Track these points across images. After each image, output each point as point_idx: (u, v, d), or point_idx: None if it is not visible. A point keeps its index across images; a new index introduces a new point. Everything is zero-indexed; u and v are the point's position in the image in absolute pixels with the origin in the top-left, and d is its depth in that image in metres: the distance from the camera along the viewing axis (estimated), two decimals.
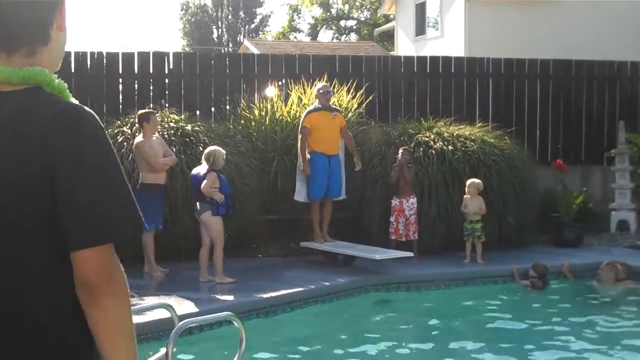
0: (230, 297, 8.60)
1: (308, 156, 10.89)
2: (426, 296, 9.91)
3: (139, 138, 9.89)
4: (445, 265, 10.84)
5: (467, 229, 10.98)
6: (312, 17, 49.66)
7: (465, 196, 10.98)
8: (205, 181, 9.10)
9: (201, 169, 9.31)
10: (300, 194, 11.10)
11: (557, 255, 11.06)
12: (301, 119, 11.12)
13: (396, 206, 11.12)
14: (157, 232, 9.86)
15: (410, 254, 10.53)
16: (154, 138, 9.89)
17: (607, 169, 14.31)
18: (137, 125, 10.37)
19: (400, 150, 11.19)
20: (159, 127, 10.49)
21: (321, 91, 11.09)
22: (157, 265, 9.86)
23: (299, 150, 11.05)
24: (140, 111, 10.28)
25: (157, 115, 10.39)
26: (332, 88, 11.65)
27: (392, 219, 11.14)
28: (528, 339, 7.85)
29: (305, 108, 12.03)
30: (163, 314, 6.86)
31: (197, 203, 9.34)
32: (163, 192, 9.90)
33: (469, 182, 10.97)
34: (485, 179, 11.25)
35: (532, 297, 9.89)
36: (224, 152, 9.47)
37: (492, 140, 12.14)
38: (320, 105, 11.04)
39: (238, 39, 55.33)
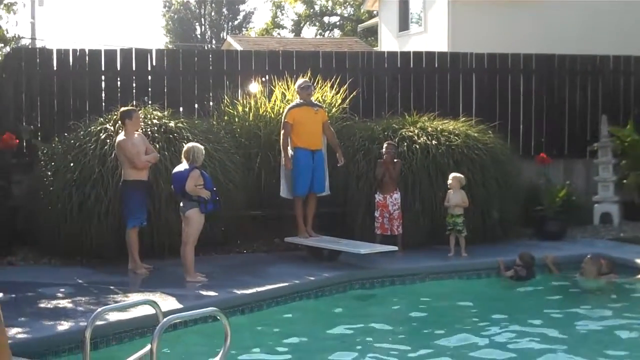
0: (215, 293, 8.57)
1: (291, 152, 10.89)
2: (411, 290, 9.92)
3: (120, 136, 9.85)
4: (429, 259, 10.86)
5: (449, 223, 11.00)
6: (296, 14, 49.57)
7: (448, 190, 11.00)
8: (188, 180, 9.06)
9: (184, 166, 9.26)
10: (284, 191, 11.10)
11: (540, 248, 11.10)
12: (283, 115, 11.11)
13: (380, 201, 11.13)
14: (141, 229, 9.84)
15: (395, 248, 10.56)
16: (136, 135, 9.86)
17: (590, 162, 14.38)
18: (119, 122, 10.33)
19: (385, 145, 11.20)
20: (142, 123, 10.45)
21: (302, 86, 11.10)
22: (141, 262, 9.83)
23: (281, 146, 11.04)
24: (122, 108, 10.24)
25: (139, 112, 10.35)
26: (313, 83, 11.64)
27: (376, 213, 11.16)
28: (511, 332, 7.87)
29: (289, 104, 12.01)
30: (147, 310, 6.83)
31: (182, 200, 9.28)
32: (146, 188, 9.88)
33: (451, 175, 10.99)
34: (469, 173, 11.28)
35: (516, 290, 9.92)
36: (202, 147, 9.44)
37: (475, 135, 12.17)
38: (302, 101, 11.04)
39: (221, 35, 55.25)
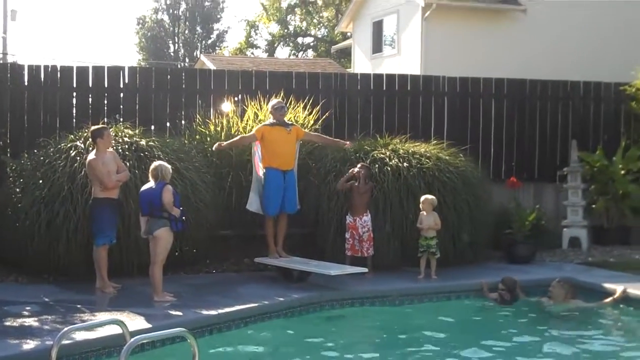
0: (184, 313, 8.51)
1: (263, 171, 10.92)
2: (380, 312, 9.92)
3: (91, 155, 9.77)
4: (399, 280, 10.86)
5: (422, 246, 11.01)
6: (270, 34, 49.77)
7: (421, 212, 11.02)
8: (165, 195, 9.00)
9: (152, 184, 9.20)
10: (252, 204, 11.08)
11: (509, 271, 11.10)
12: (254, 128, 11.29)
13: (350, 223, 11.14)
14: (109, 247, 9.77)
15: (365, 270, 10.55)
16: (107, 153, 9.79)
17: (560, 187, 14.49)
18: (90, 140, 10.27)
19: (358, 166, 11.23)
20: (113, 141, 10.39)
21: (275, 107, 11.13)
22: (109, 280, 9.75)
23: (233, 139, 11.29)
24: (93, 127, 10.16)
25: (110, 130, 10.28)
26: (286, 104, 11.67)
27: (347, 235, 11.16)
28: (481, 356, 7.88)
29: (261, 123, 12.04)
30: (115, 330, 6.78)
31: (146, 220, 9.20)
32: (116, 206, 9.81)
33: (423, 198, 11.02)
34: (440, 196, 11.31)
35: (485, 313, 9.96)
36: (169, 166, 9.41)
37: (447, 158, 12.22)
38: (274, 121, 11.06)
39: (194, 54, 55.28)
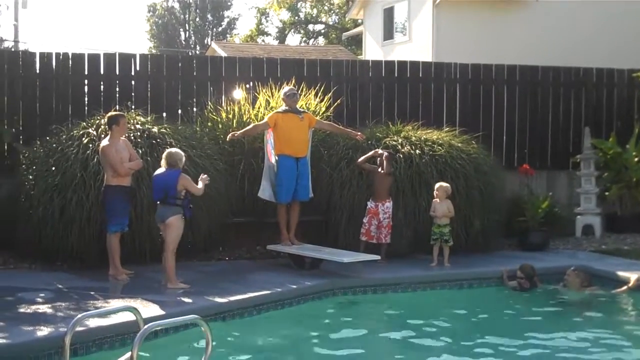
0: (196, 300, 8.52)
1: (275, 158, 10.87)
2: (393, 299, 9.90)
3: (105, 141, 9.76)
4: (412, 268, 10.84)
5: (435, 233, 10.99)
6: (280, 21, 49.66)
7: (434, 200, 11.00)
8: (180, 181, 9.03)
9: (164, 171, 9.20)
10: (264, 192, 11.04)
11: (522, 259, 11.07)
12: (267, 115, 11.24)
13: (371, 208, 11.10)
14: (122, 234, 9.78)
15: (377, 257, 10.51)
16: (121, 141, 9.78)
17: (573, 174, 14.44)
18: (103, 126, 10.26)
19: (385, 153, 11.17)
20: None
21: (287, 94, 11.08)
22: (122, 267, 9.76)
23: (246, 128, 11.18)
24: (110, 113, 10.15)
25: (126, 117, 10.26)
26: (298, 91, 11.63)
27: (365, 220, 11.12)
28: (493, 343, 7.86)
29: (273, 111, 12.00)
30: (128, 317, 6.79)
31: (161, 206, 9.21)
32: (129, 193, 9.80)
33: (437, 185, 10.99)
34: (452, 183, 11.28)
35: (499, 301, 9.93)
36: (182, 152, 9.42)
37: (459, 145, 12.18)
38: (287, 108, 11.02)
39: (205, 41, 55.24)
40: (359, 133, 11.48)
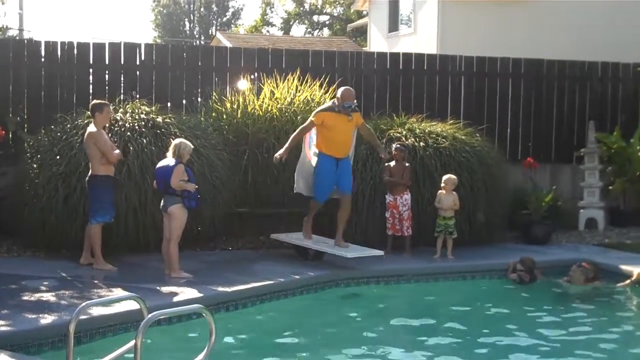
0: (200, 290, 8.54)
1: (315, 150, 10.44)
2: (396, 291, 9.92)
3: (91, 127, 9.64)
4: (415, 260, 10.86)
5: (440, 225, 10.99)
6: (285, 12, 49.62)
7: (440, 191, 11.01)
8: (173, 176, 9.01)
9: (168, 161, 9.21)
10: (299, 186, 10.61)
11: (525, 252, 11.07)
12: (313, 112, 10.60)
13: (390, 202, 11.10)
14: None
15: (381, 253, 10.36)
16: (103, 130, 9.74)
17: (577, 168, 14.43)
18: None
19: (394, 147, 11.17)
20: (130, 117, 10.38)
21: (345, 94, 10.28)
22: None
23: (291, 137, 10.39)
24: (95, 101, 10.08)
25: (111, 107, 10.18)
26: (302, 82, 11.47)
27: (387, 214, 11.13)
28: (494, 335, 7.88)
29: (278, 102, 12.00)
30: (132, 305, 6.81)
31: (164, 196, 9.22)
32: (114, 184, 9.76)
33: (445, 177, 10.99)
34: (456, 176, 11.27)
35: (501, 293, 9.95)
36: (190, 145, 9.37)
37: (463, 137, 12.18)
38: (336, 105, 10.29)
39: (210, 32, 55.20)
40: (383, 155, 10.74)
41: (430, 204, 11.15)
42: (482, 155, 12.03)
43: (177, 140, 9.40)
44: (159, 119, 11.09)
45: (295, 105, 12.19)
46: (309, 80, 12.53)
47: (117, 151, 9.76)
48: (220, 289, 8.65)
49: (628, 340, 7.99)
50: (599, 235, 13.29)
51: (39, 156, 10.86)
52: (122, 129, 10.67)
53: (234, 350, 7.16)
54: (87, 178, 9.72)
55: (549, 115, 14.83)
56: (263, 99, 12.19)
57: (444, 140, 11.85)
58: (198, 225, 10.69)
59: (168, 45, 15.48)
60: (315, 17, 49.57)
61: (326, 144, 10.28)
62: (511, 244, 12.21)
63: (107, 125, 10.13)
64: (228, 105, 12.26)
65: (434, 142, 11.79)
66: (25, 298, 8.02)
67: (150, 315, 5.21)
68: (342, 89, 10.48)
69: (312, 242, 10.69)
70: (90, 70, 12.82)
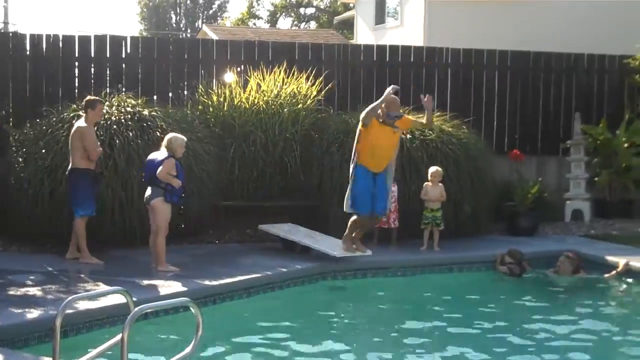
0: (187, 283, 8.52)
1: (356, 163, 9.83)
2: (382, 283, 9.93)
3: (81, 122, 9.65)
4: (401, 252, 10.88)
5: (426, 217, 11.01)
6: (272, 4, 49.51)
7: (426, 183, 11.02)
8: (161, 167, 8.99)
9: (159, 154, 9.19)
10: (346, 203, 10.04)
11: (512, 243, 11.11)
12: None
13: None
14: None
15: (369, 253, 10.15)
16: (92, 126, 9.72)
17: (563, 160, 14.48)
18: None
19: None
20: (116, 111, 10.34)
21: (391, 101, 9.82)
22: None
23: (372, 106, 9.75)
24: (89, 97, 10.06)
25: (103, 104, 10.19)
26: (289, 75, 11.43)
27: None
28: (483, 327, 7.91)
29: (264, 95, 11.98)
30: (118, 299, 6.79)
31: (149, 188, 9.21)
32: (95, 177, 9.71)
33: (432, 169, 11.00)
34: (442, 167, 11.29)
35: (487, 284, 9.99)
36: (184, 140, 9.34)
37: (449, 130, 12.20)
38: (380, 115, 9.75)
39: (196, 24, 55.02)
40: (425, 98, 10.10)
41: (416, 196, 11.16)
42: (468, 147, 12.06)
43: (172, 135, 9.37)
44: (145, 112, 11.06)
45: (282, 98, 12.18)
46: (295, 73, 12.52)
47: (99, 149, 9.75)
48: (207, 282, 8.64)
49: (614, 330, 8.03)
50: (585, 226, 13.35)
51: (24, 150, 10.83)
52: (108, 122, 10.63)
53: (221, 343, 7.16)
54: (67, 172, 9.69)
55: (535, 107, 14.86)
56: (250, 91, 12.17)
57: (430, 132, 11.86)
58: (181, 223, 10.66)
59: (154, 38, 15.42)
60: (301, 10, 49.48)
61: (365, 154, 9.76)
62: (497, 235, 12.26)
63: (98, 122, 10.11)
64: (214, 98, 12.23)
65: (420, 134, 11.79)
66: (11, 292, 7.99)
67: (136, 309, 5.19)
68: (388, 97, 9.79)
69: (301, 236, 10.63)
70: (76, 63, 12.77)
